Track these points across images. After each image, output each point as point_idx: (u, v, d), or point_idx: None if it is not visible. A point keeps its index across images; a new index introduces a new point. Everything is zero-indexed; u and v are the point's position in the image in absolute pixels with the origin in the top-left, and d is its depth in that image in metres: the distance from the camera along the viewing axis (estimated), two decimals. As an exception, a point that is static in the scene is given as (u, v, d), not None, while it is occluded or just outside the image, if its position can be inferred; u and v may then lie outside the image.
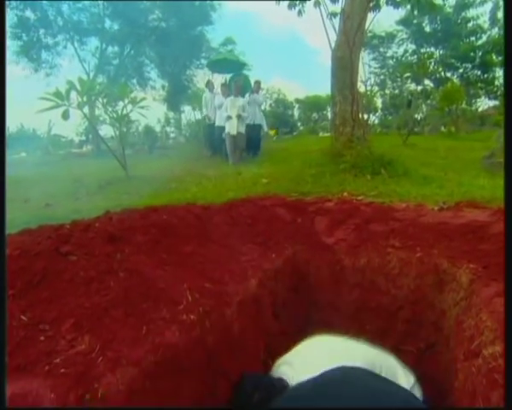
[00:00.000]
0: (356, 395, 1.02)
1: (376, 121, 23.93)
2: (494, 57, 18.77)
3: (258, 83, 8.60)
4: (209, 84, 9.10)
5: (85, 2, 15.15)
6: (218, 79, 10.46)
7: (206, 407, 1.22)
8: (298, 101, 31.14)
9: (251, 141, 8.10)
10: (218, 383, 1.31)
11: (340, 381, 1.14)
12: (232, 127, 7.48)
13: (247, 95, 8.06)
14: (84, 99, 4.58)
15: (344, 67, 3.99)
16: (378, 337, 1.98)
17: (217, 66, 11.13)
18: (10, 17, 14.71)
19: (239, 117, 7.50)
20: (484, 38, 19.33)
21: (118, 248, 1.52)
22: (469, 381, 1.16)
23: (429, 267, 1.87)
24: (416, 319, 1.89)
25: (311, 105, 29.75)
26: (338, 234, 2.27)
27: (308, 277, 2.15)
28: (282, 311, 1.99)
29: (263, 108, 10.06)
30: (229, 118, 7.56)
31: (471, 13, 19.13)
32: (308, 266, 2.16)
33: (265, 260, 1.93)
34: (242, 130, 7.59)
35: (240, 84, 8.01)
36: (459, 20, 19.21)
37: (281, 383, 1.34)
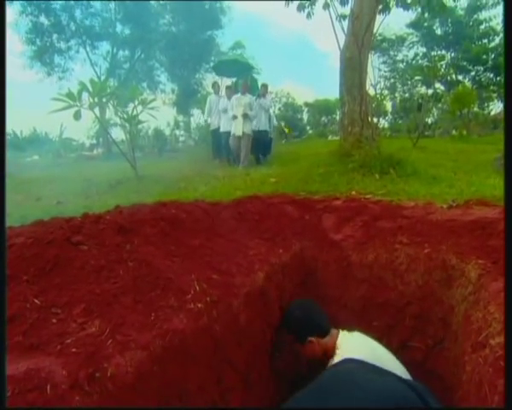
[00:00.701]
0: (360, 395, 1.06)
1: (386, 125, 23.82)
2: (507, 60, 18.50)
3: (265, 86, 8.13)
4: (215, 87, 8.72)
5: (97, 6, 15.40)
6: (227, 83, 10.04)
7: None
8: (307, 104, 31.17)
9: (257, 147, 7.69)
10: (224, 371, 1.33)
11: (346, 380, 1.18)
12: (237, 128, 7.06)
13: (253, 98, 7.65)
14: (96, 100, 4.67)
15: (353, 68, 4.00)
16: (386, 334, 1.98)
17: (223, 68, 10.74)
18: (25, 23, 15.08)
19: (245, 116, 7.05)
20: (497, 39, 19.10)
21: (127, 240, 1.55)
22: (476, 372, 1.15)
23: (437, 263, 1.86)
24: (424, 315, 1.88)
25: (321, 109, 29.75)
26: (345, 231, 2.28)
27: (315, 272, 2.16)
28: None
29: (271, 112, 9.43)
30: (234, 117, 7.13)
31: (483, 15, 18.96)
32: (315, 262, 2.16)
33: (272, 254, 1.95)
34: (249, 130, 7.14)
35: (247, 82, 7.68)
36: (471, 23, 19.04)
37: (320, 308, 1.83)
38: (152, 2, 16.44)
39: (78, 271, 1.29)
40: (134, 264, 1.41)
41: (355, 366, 1.34)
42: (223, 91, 8.56)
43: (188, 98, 18.00)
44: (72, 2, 15.12)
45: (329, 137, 20.04)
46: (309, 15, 7.28)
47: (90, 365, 0.92)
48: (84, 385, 0.87)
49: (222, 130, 7.67)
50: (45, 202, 3.67)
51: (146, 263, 1.44)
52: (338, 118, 20.43)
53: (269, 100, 7.92)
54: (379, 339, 1.97)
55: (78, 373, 0.88)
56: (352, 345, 1.62)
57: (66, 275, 1.26)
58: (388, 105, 23.67)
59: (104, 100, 5.44)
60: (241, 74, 9.50)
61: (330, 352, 1.65)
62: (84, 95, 4.57)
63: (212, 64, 16.53)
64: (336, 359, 1.53)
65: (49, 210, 2.39)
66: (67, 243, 1.40)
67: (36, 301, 1.12)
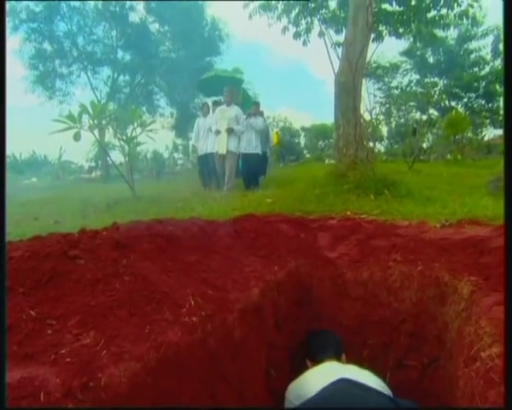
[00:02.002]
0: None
1: (383, 149, 24.20)
2: (498, 87, 19.08)
3: (256, 105, 7.24)
4: (203, 109, 7.44)
5: (99, 34, 15.86)
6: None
7: (206, 407, 1.22)
8: (304, 129, 31.69)
9: (246, 171, 6.85)
10: (218, 386, 1.32)
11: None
12: (221, 144, 6.16)
13: (240, 111, 6.63)
14: (96, 122, 4.76)
15: (347, 92, 4.13)
16: (381, 352, 1.98)
17: (208, 86, 9.40)
18: (29, 49, 15.51)
19: (230, 131, 6.20)
20: (487, 68, 19.75)
21: (124, 255, 1.57)
22: (469, 385, 1.16)
23: (431, 280, 1.88)
24: (419, 333, 1.88)
25: (318, 133, 30.22)
26: (340, 249, 2.30)
27: (311, 290, 2.17)
28: (285, 323, 2.00)
29: (270, 132, 8.70)
30: (217, 133, 6.24)
31: (473, 45, 19.65)
32: (311, 280, 2.17)
33: (268, 271, 1.96)
34: (234, 148, 6.30)
35: (231, 91, 6.62)
36: (462, 52, 19.70)
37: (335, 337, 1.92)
38: (152, 29, 16.96)
39: (74, 284, 1.30)
40: (130, 278, 1.42)
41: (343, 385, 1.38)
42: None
43: (186, 122, 18.30)
44: (75, 29, 15.57)
45: (326, 161, 20.28)
46: (305, 43, 7.55)
47: (83, 374, 0.92)
48: (78, 394, 0.87)
49: (209, 151, 6.69)
50: (43, 222, 3.68)
51: (142, 277, 1.45)
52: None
53: (261, 121, 6.93)
54: (375, 358, 1.97)
55: (72, 382, 0.89)
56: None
57: (63, 288, 1.27)
58: (384, 130, 24.14)
59: (104, 122, 5.53)
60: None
61: None
62: (84, 117, 4.68)
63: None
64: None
65: (46, 229, 2.40)
66: (64, 257, 1.42)
67: (32, 312, 1.13)
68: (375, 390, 1.34)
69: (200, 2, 16.89)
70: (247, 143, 6.74)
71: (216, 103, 7.23)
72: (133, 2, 16.26)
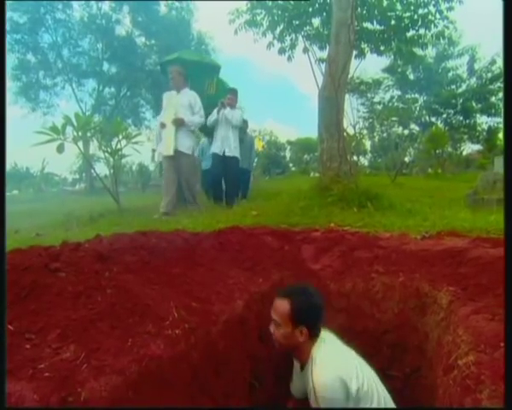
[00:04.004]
0: None
1: (366, 163, 24.68)
2: (474, 104, 19.82)
3: (233, 93, 5.54)
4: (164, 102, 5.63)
5: (85, 46, 15.83)
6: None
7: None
8: (290, 142, 32.09)
9: (216, 182, 5.58)
10: (202, 399, 1.31)
11: None
12: (166, 143, 4.49)
13: (196, 97, 4.82)
14: (80, 134, 4.72)
15: (330, 107, 4.23)
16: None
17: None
18: (12, 60, 15.33)
19: (178, 123, 4.48)
20: (463, 86, 20.53)
21: (106, 267, 1.55)
22: (447, 393, 1.18)
23: (411, 291, 1.92)
24: (401, 343, 1.91)
25: (303, 146, 30.64)
26: (324, 261, 2.33)
27: (295, 302, 2.17)
28: (269, 336, 2.00)
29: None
30: (162, 126, 4.63)
31: (450, 63, 20.47)
32: (295, 292, 2.18)
33: (252, 283, 1.97)
34: (186, 147, 4.57)
35: (179, 71, 4.76)
36: (440, 70, 20.45)
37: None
38: (138, 43, 17.02)
39: (55, 297, 1.28)
40: (112, 291, 1.41)
41: None
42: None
43: (172, 135, 18.26)
44: (60, 41, 15.50)
45: (311, 174, 20.53)
46: (289, 59, 7.71)
47: (62, 389, 0.91)
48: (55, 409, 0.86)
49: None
50: (24, 235, 3.59)
51: (124, 290, 1.44)
52: (319, 155, 21.02)
53: (238, 115, 5.47)
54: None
55: (50, 397, 0.87)
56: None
57: (43, 301, 1.25)
58: (367, 144, 24.66)
59: (89, 134, 5.49)
60: (203, 79, 6.14)
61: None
62: (69, 129, 4.63)
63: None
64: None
65: (27, 242, 2.35)
66: (45, 270, 1.40)
67: (9, 326, 1.11)
68: None
69: (186, 17, 17.09)
70: (222, 142, 5.31)
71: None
72: (119, 16, 16.34)
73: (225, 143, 5.31)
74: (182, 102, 4.65)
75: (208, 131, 5.86)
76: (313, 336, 1.64)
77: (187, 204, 4.71)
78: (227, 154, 5.32)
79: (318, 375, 1.48)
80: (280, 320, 1.62)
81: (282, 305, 1.62)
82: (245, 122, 6.42)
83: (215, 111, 5.28)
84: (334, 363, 1.53)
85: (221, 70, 6.52)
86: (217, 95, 5.75)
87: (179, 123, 4.54)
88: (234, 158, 5.37)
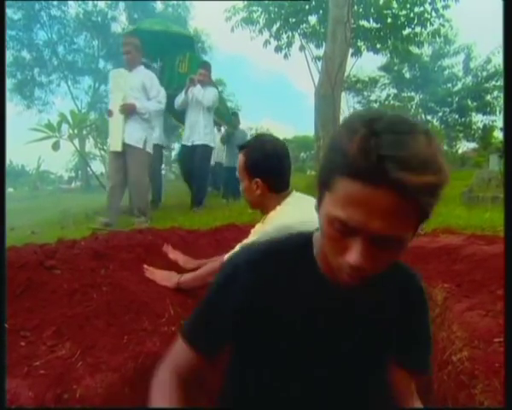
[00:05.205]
0: None
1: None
2: (470, 103, 19.90)
3: (205, 67, 4.57)
4: None
5: (80, 43, 15.72)
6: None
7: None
8: (286, 140, 32.00)
9: (194, 177, 4.51)
10: (199, 397, 1.31)
11: None
12: (114, 135, 3.59)
13: (153, 76, 3.79)
14: (76, 132, 4.70)
15: (327, 104, 4.24)
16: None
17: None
18: (6, 57, 15.17)
19: (128, 110, 3.48)
20: (459, 85, 20.60)
21: (102, 264, 1.55)
22: (441, 388, 1.19)
23: (407, 288, 1.93)
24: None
25: (300, 144, 30.61)
26: (320, 258, 2.33)
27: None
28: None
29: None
30: (109, 114, 3.65)
31: (446, 62, 20.52)
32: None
33: (248, 281, 1.97)
34: (136, 140, 3.55)
35: (136, 43, 3.68)
36: (436, 68, 20.50)
37: None
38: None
39: (51, 294, 1.28)
40: (108, 288, 1.40)
41: None
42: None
43: (169, 133, 18.22)
44: (55, 38, 15.38)
45: (308, 172, 20.55)
46: (286, 56, 7.71)
47: (58, 386, 0.91)
48: (51, 406, 0.86)
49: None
50: (19, 233, 3.58)
51: (120, 287, 1.44)
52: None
53: (212, 93, 4.39)
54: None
55: (45, 394, 0.87)
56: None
57: (38, 299, 1.25)
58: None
59: (84, 132, 5.47)
60: (173, 55, 5.19)
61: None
62: (64, 127, 4.62)
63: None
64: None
65: (22, 240, 2.34)
66: (40, 267, 1.39)
67: (5, 324, 1.10)
68: None
69: (182, 14, 17.02)
70: (191, 130, 4.38)
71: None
72: (115, 13, 16.24)
73: (194, 130, 4.35)
74: (133, 84, 3.57)
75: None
76: (272, 190, 1.52)
77: (134, 216, 3.73)
78: (196, 142, 4.35)
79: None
80: (240, 175, 1.54)
81: (239, 159, 1.54)
82: (235, 116, 5.94)
83: (184, 91, 4.35)
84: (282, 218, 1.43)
85: (218, 68, 6.31)
86: (190, 74, 4.65)
87: (128, 110, 3.49)
88: (202, 147, 4.33)
